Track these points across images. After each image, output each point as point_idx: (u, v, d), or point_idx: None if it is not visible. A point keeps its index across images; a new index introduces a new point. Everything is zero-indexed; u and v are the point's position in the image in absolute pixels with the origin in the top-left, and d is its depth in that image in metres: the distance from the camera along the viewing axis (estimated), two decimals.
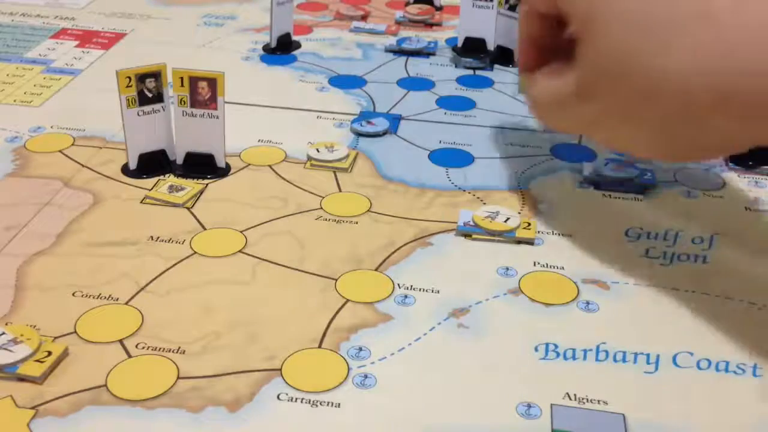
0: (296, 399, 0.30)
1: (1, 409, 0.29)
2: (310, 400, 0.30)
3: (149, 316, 0.33)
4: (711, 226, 0.40)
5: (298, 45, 0.60)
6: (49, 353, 0.31)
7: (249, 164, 0.45)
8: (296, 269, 0.37)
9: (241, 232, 0.39)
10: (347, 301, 0.35)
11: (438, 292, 0.36)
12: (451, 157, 0.46)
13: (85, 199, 0.41)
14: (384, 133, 0.48)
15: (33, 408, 0.29)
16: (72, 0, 0.68)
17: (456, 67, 0.58)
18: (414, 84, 0.55)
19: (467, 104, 0.53)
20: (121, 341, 0.32)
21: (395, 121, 0.50)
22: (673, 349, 0.33)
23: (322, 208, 0.41)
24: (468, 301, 0.35)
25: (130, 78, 0.41)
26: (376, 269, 0.37)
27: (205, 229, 0.39)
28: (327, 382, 0.31)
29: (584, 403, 0.30)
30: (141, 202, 0.41)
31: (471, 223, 0.39)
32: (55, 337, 0.32)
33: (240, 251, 0.38)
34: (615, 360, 0.32)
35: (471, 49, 0.58)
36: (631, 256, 0.38)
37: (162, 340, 0.32)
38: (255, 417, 0.29)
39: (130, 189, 0.42)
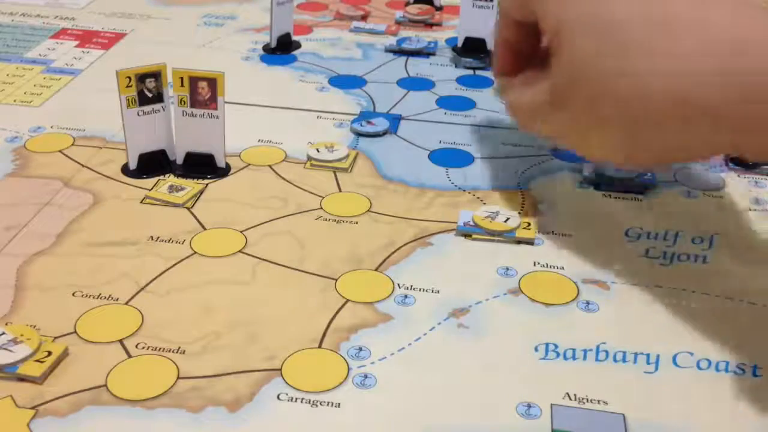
0: (296, 399, 0.30)
1: (1, 409, 0.29)
2: (310, 400, 0.30)
3: (149, 316, 0.33)
4: (711, 226, 0.40)
5: (298, 45, 0.60)
6: (49, 353, 0.31)
7: (249, 164, 0.45)
8: (296, 269, 0.37)
9: (241, 232, 0.39)
10: (347, 301, 0.35)
11: (438, 292, 0.36)
12: (451, 157, 0.46)
13: (85, 199, 0.41)
14: (384, 133, 0.48)
15: (33, 408, 0.29)
16: (72, 0, 0.68)
17: (456, 67, 0.58)
18: (414, 84, 0.55)
19: (467, 104, 0.53)
20: (121, 341, 0.32)
21: (395, 121, 0.50)
22: (673, 349, 0.33)
23: (322, 208, 0.41)
24: (468, 301, 0.35)
25: (130, 78, 0.41)
26: (376, 269, 0.37)
27: (205, 229, 0.39)
28: (327, 382, 0.31)
29: (584, 403, 0.30)
30: (141, 202, 0.41)
31: (471, 223, 0.39)
32: (55, 337, 0.32)
33: (240, 251, 0.38)
34: (615, 360, 0.32)
35: (471, 49, 0.58)
36: (631, 256, 0.38)
37: (162, 340, 0.32)
38: (255, 417, 0.29)
39: (130, 189, 0.42)
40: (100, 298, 0.34)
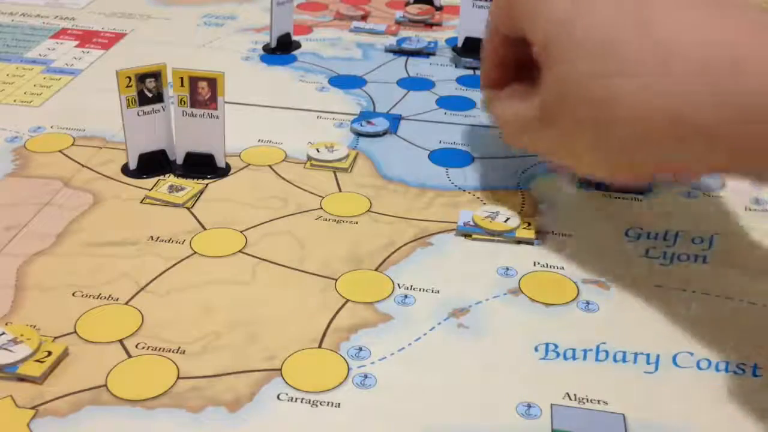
0: (296, 399, 0.30)
1: (1, 409, 0.29)
2: (310, 400, 0.30)
3: (149, 316, 0.33)
4: (711, 226, 0.40)
5: (298, 45, 0.60)
6: (49, 353, 0.31)
7: (249, 164, 0.45)
8: (296, 269, 0.37)
9: (241, 232, 0.39)
10: (347, 301, 0.35)
11: (438, 292, 0.36)
12: (451, 157, 0.46)
13: (85, 199, 0.41)
14: (384, 133, 0.48)
15: (33, 408, 0.29)
16: (72, 0, 0.68)
17: (456, 67, 0.58)
18: (414, 84, 0.55)
19: (467, 104, 0.53)
20: (121, 341, 0.32)
21: (395, 121, 0.50)
22: (673, 349, 0.33)
23: (322, 208, 0.41)
24: (468, 301, 0.35)
25: (130, 78, 0.41)
26: (376, 269, 0.37)
27: (205, 229, 0.39)
28: (327, 382, 0.31)
29: (584, 403, 0.30)
30: (141, 202, 0.41)
31: (471, 223, 0.39)
32: (55, 337, 0.32)
33: (240, 251, 0.38)
34: (615, 360, 0.32)
35: (471, 49, 0.58)
36: (631, 256, 0.38)
37: (162, 340, 0.32)
38: (255, 417, 0.29)
39: (130, 189, 0.42)
40: (100, 298, 0.34)
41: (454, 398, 0.30)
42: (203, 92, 0.41)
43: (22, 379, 0.30)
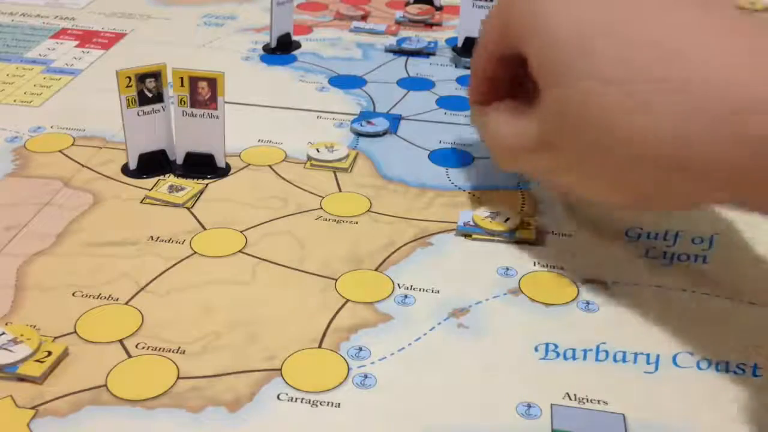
0: (296, 399, 0.30)
1: (1, 409, 0.29)
2: (310, 400, 0.30)
3: (149, 316, 0.33)
4: (711, 226, 0.40)
5: (298, 45, 0.60)
6: (49, 353, 0.31)
7: (249, 164, 0.45)
8: (296, 269, 0.37)
9: (241, 232, 0.39)
10: (347, 301, 0.35)
11: (438, 292, 0.36)
12: (451, 157, 0.46)
13: (85, 199, 0.41)
14: (384, 133, 0.48)
15: (33, 408, 0.29)
16: (72, 0, 0.68)
17: (456, 67, 0.58)
18: (414, 84, 0.55)
19: (467, 104, 0.52)
20: (121, 341, 0.32)
21: (395, 121, 0.50)
22: (673, 349, 0.33)
23: (322, 208, 0.41)
24: (468, 301, 0.35)
25: (130, 78, 0.41)
26: (376, 269, 0.37)
27: (205, 229, 0.39)
28: (327, 382, 0.31)
29: (584, 403, 0.30)
30: (141, 202, 0.41)
31: (471, 223, 0.39)
32: (55, 337, 0.32)
33: (240, 251, 0.38)
34: (615, 360, 0.32)
35: (471, 49, 0.57)
36: (631, 256, 0.38)
37: (162, 340, 0.32)
38: (255, 417, 0.29)
39: (130, 189, 0.42)
40: (100, 298, 0.34)
41: (454, 398, 0.30)
42: (203, 92, 0.41)
43: (22, 379, 0.30)
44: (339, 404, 0.30)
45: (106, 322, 0.33)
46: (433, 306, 0.35)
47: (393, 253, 0.38)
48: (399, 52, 0.60)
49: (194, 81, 0.41)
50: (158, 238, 0.38)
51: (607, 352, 0.33)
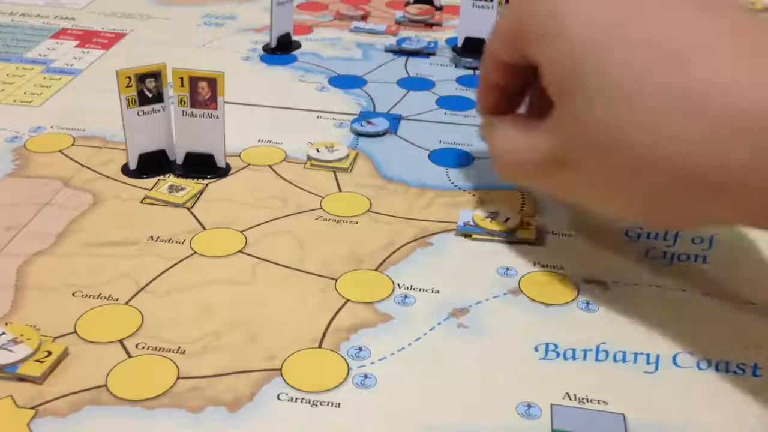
0: (296, 399, 0.30)
1: (1, 409, 0.29)
2: (310, 400, 0.30)
3: (149, 316, 0.33)
4: (711, 226, 0.40)
5: (298, 45, 0.60)
6: (49, 353, 0.31)
7: (249, 164, 0.45)
8: (296, 269, 0.37)
9: (241, 232, 0.39)
10: (347, 301, 0.35)
11: (438, 292, 0.36)
12: (451, 157, 0.46)
13: (85, 199, 0.41)
14: (384, 133, 0.48)
15: (33, 408, 0.29)
16: (72, 0, 0.68)
17: (456, 67, 0.58)
18: (414, 84, 0.55)
19: (467, 104, 0.53)
20: (121, 341, 0.32)
21: (395, 121, 0.50)
22: (673, 349, 0.33)
23: (322, 208, 0.41)
24: (468, 301, 0.35)
25: (130, 78, 0.41)
26: (376, 269, 0.37)
27: (205, 229, 0.39)
28: (327, 382, 0.31)
29: (584, 403, 0.30)
30: (141, 202, 0.41)
31: (471, 223, 0.39)
32: (55, 337, 0.32)
33: (240, 251, 0.38)
34: (615, 360, 0.32)
35: (471, 49, 0.58)
36: (631, 256, 0.38)
37: (162, 340, 0.32)
38: (255, 417, 0.29)
39: (130, 189, 0.42)
40: (100, 298, 0.34)
41: (454, 398, 0.30)
42: (203, 92, 0.41)
43: (22, 379, 0.30)
44: (339, 404, 0.30)
45: (106, 322, 0.33)
46: (433, 306, 0.35)
47: (393, 253, 0.38)
48: (399, 52, 0.60)
49: (194, 81, 0.41)
50: (158, 238, 0.38)
51: (607, 352, 0.33)
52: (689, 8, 0.30)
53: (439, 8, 0.68)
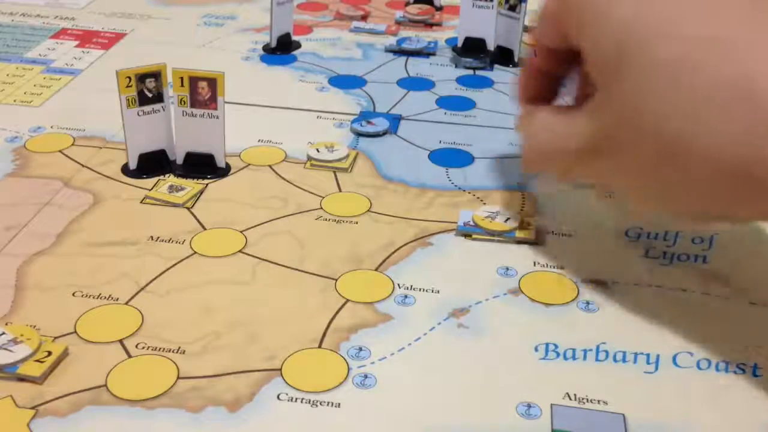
0: (296, 399, 0.30)
1: (1, 409, 0.29)
2: (310, 400, 0.30)
3: (149, 316, 0.33)
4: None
5: (298, 45, 0.60)
6: (49, 353, 0.31)
7: (249, 164, 0.45)
8: (296, 269, 0.37)
9: (241, 232, 0.39)
10: (347, 301, 0.35)
11: (438, 292, 0.36)
12: (451, 157, 0.46)
13: (85, 199, 0.41)
14: (384, 133, 0.48)
15: (33, 408, 0.29)
16: (72, 0, 0.68)
17: (456, 67, 0.58)
18: (414, 84, 0.55)
19: (467, 104, 0.53)
20: (121, 341, 0.32)
21: (395, 121, 0.50)
22: (673, 349, 0.33)
23: (322, 208, 0.41)
24: (468, 301, 0.35)
25: (130, 78, 0.41)
26: (376, 269, 0.37)
27: (205, 229, 0.39)
28: (327, 382, 0.31)
29: (584, 403, 0.30)
30: (141, 202, 0.41)
31: (471, 223, 0.39)
32: (55, 337, 0.32)
33: (240, 251, 0.38)
34: (615, 360, 0.32)
35: (471, 49, 0.58)
36: (631, 256, 0.38)
37: (162, 340, 0.32)
38: (255, 417, 0.29)
39: (130, 189, 0.42)
40: (100, 298, 0.34)
41: (454, 398, 0.30)
42: (203, 92, 0.41)
43: (22, 379, 0.30)
44: (339, 404, 0.30)
45: (106, 322, 0.33)
46: (433, 306, 0.35)
47: (393, 253, 0.38)
48: (399, 52, 0.60)
49: (194, 81, 0.41)
50: (158, 238, 0.38)
51: (607, 352, 0.33)
52: (738, 3, 0.29)
53: (439, 8, 0.68)
